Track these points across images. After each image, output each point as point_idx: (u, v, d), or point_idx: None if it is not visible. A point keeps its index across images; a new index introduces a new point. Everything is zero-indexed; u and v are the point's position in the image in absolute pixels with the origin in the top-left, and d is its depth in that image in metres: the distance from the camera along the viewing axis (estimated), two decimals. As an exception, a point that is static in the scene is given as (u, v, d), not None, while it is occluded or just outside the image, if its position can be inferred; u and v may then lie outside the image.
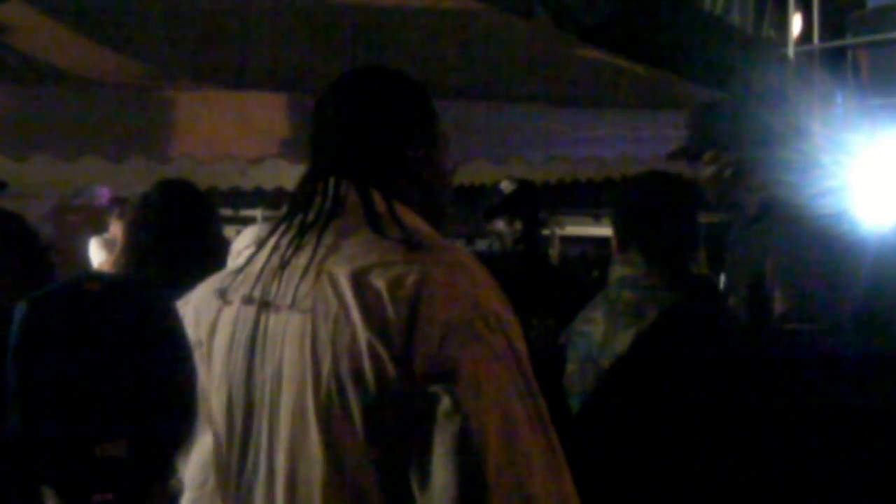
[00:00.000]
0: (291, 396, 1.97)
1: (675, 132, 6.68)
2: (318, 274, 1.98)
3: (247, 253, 2.66)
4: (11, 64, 5.47)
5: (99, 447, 3.47)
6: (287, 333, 2.00)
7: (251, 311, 2.08)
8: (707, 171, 4.17)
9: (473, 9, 7.41)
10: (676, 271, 3.29)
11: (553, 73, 6.69)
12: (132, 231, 4.00)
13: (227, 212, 11.82)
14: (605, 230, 11.41)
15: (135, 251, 3.92)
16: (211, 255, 3.42)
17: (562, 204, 11.23)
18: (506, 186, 4.80)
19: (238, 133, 5.50)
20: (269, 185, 8.75)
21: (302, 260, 2.03)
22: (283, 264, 2.06)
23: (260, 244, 2.18)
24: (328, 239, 2.03)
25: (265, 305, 2.06)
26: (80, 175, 6.46)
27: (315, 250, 2.02)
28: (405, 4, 7.00)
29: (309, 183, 2.17)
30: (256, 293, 2.09)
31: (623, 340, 3.22)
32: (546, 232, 11.73)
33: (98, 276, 4.22)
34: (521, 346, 1.95)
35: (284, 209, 2.20)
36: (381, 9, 6.83)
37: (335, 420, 1.91)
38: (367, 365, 1.87)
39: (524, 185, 4.84)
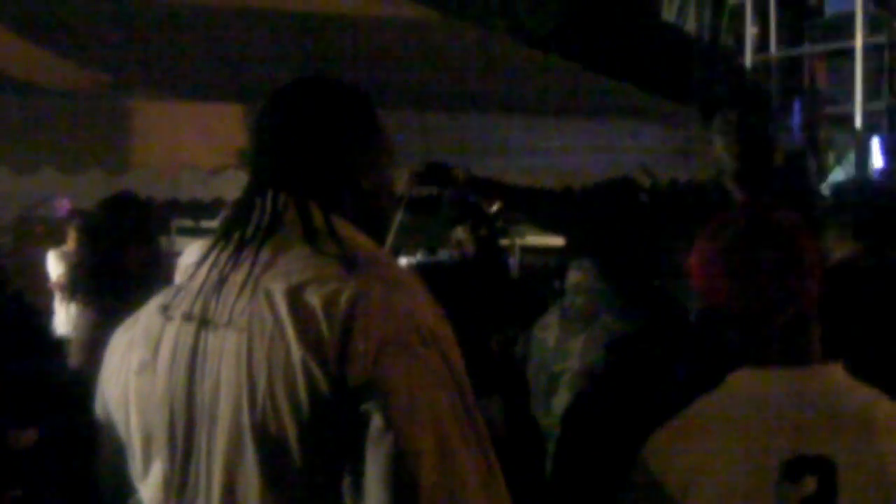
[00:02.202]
0: (228, 414, 1.96)
1: (634, 142, 6.71)
2: (255, 290, 1.97)
3: (191, 269, 2.65)
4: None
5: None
6: (224, 351, 1.99)
7: (191, 327, 2.06)
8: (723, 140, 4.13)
9: (431, 18, 7.44)
10: (631, 281, 3.32)
11: (510, 82, 6.73)
12: (77, 246, 4.10)
13: (187, 223, 11.77)
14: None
15: (73, 268, 4.08)
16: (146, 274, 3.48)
17: (522, 213, 11.22)
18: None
19: (197, 144, 5.48)
20: (229, 196, 8.71)
21: (239, 276, 2.01)
22: (222, 280, 2.03)
23: (201, 259, 2.15)
24: (265, 254, 2.01)
25: (204, 322, 2.04)
26: (38, 186, 6.44)
27: (252, 266, 2.00)
28: (365, 14, 7.02)
29: (248, 196, 2.13)
30: (196, 309, 2.06)
31: (574, 346, 3.25)
32: (506, 242, 11.74)
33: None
34: (458, 361, 1.93)
35: (223, 223, 2.20)
36: (340, 18, 6.84)
37: (271, 438, 1.90)
38: (301, 382, 1.86)
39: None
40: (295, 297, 1.91)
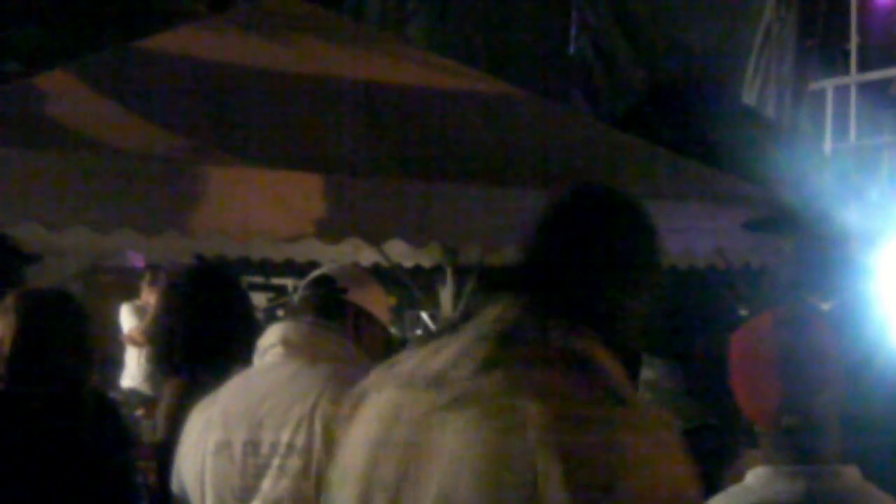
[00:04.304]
0: None
1: (711, 224, 6.65)
2: (501, 397, 1.92)
3: (274, 351, 2.64)
4: (51, 132, 5.50)
5: None
6: (447, 441, 1.96)
7: (412, 420, 2.04)
8: (794, 247, 4.11)
9: (512, 94, 7.44)
10: (702, 383, 3.27)
11: (587, 160, 6.69)
12: (161, 311, 4.06)
13: (257, 279, 11.84)
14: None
15: (164, 335, 3.97)
16: (237, 351, 3.46)
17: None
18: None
19: (272, 211, 5.50)
20: (300, 259, 8.75)
21: (469, 373, 1.98)
22: (445, 374, 2.02)
23: (417, 346, 2.16)
24: (513, 363, 1.96)
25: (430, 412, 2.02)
26: (113, 241, 6.50)
27: (491, 368, 1.96)
28: (445, 87, 7.03)
29: (500, 293, 2.11)
30: (426, 399, 2.04)
31: None
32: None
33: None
34: None
35: (453, 319, 2.16)
36: (420, 91, 6.86)
37: None
38: None
39: None
40: (558, 427, 1.86)
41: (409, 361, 2.17)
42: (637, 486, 1.81)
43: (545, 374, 1.94)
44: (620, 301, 2.11)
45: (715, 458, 3.08)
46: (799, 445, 2.25)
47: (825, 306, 3.85)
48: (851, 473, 2.26)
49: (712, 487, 2.28)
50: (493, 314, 2.08)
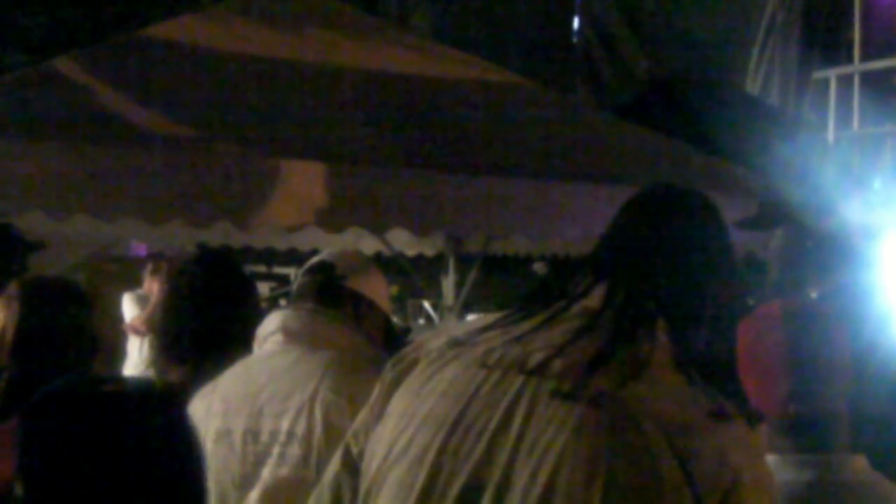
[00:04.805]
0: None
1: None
2: (605, 399, 1.90)
3: (273, 338, 2.62)
4: (54, 121, 5.50)
5: None
6: (558, 437, 1.90)
7: (500, 401, 1.99)
8: (779, 243, 4.10)
9: (515, 83, 7.43)
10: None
11: (591, 150, 6.69)
12: (168, 300, 4.03)
13: (260, 268, 11.82)
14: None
15: (170, 324, 3.93)
16: (242, 339, 3.43)
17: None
18: (539, 269, 4.77)
19: (274, 201, 5.49)
20: (304, 247, 8.75)
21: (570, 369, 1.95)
22: (538, 362, 1.98)
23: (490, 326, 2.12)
24: (627, 360, 1.94)
25: (523, 393, 1.97)
26: (116, 230, 6.50)
27: (604, 362, 1.94)
28: (448, 76, 7.02)
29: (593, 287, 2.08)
30: (517, 380, 2.00)
31: None
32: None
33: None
34: None
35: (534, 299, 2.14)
36: (423, 80, 6.85)
37: None
38: None
39: (557, 268, 4.82)
40: (676, 441, 1.85)
41: (473, 339, 2.12)
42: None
43: (660, 377, 1.93)
44: (718, 303, 2.10)
45: None
46: (807, 435, 2.24)
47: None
48: (860, 463, 2.25)
49: None
50: (585, 303, 2.08)
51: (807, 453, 2.24)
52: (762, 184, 6.96)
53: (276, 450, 2.98)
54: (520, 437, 1.93)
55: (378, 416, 2.20)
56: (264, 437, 2.99)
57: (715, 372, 2.03)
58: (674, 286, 2.07)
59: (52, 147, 5.23)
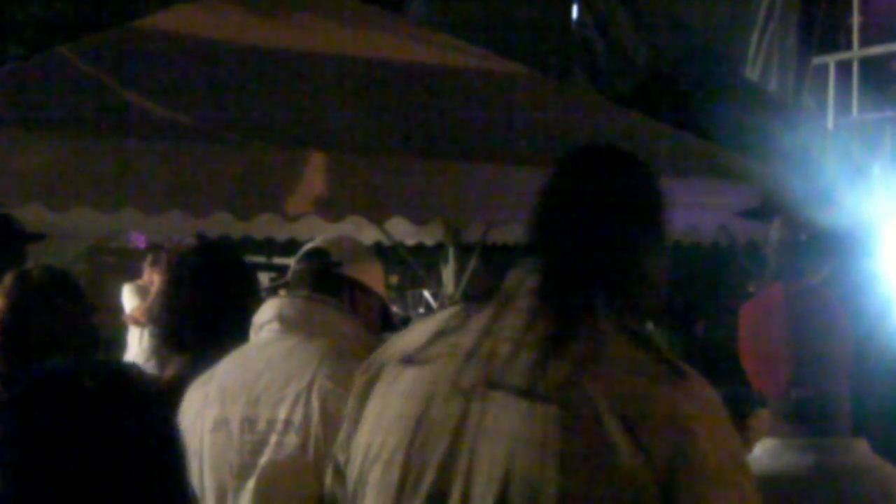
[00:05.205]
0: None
1: (715, 201, 6.63)
2: (562, 378, 1.93)
3: (269, 327, 2.62)
4: (52, 113, 5.49)
5: None
6: (511, 424, 1.95)
7: (458, 396, 2.04)
8: (776, 235, 4.11)
9: (514, 71, 7.42)
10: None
11: (593, 138, 6.67)
12: (168, 290, 4.02)
13: (260, 259, 11.81)
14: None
15: (170, 314, 3.93)
16: (242, 329, 3.42)
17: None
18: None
19: (273, 190, 5.49)
20: (303, 237, 8.74)
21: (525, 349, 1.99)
22: (505, 353, 2.02)
23: (427, 322, 2.17)
24: (574, 340, 1.97)
25: (477, 390, 2.02)
26: (115, 221, 6.50)
27: (552, 346, 1.97)
28: (447, 64, 7.02)
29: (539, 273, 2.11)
30: (471, 376, 2.04)
31: None
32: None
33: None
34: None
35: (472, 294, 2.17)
36: (422, 68, 6.84)
37: None
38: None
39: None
40: (625, 409, 1.88)
41: (430, 337, 2.16)
42: (705, 455, 1.85)
43: (610, 351, 1.96)
44: (645, 263, 2.12)
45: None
46: (809, 418, 2.25)
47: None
48: (862, 447, 2.25)
49: None
50: (526, 286, 2.10)
51: (808, 437, 2.25)
52: (762, 172, 6.96)
53: (273, 438, 2.97)
54: (478, 430, 1.98)
55: (355, 422, 2.25)
56: (261, 426, 2.98)
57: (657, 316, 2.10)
58: (605, 243, 2.09)
59: (51, 138, 5.22)
